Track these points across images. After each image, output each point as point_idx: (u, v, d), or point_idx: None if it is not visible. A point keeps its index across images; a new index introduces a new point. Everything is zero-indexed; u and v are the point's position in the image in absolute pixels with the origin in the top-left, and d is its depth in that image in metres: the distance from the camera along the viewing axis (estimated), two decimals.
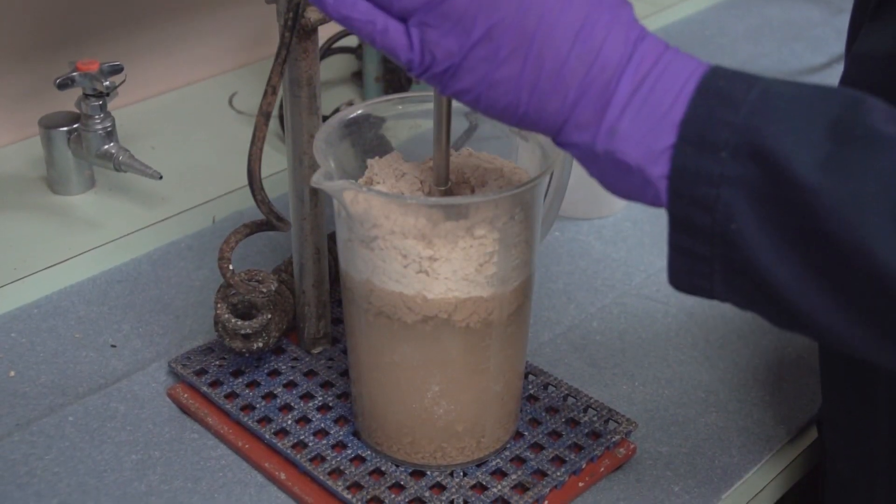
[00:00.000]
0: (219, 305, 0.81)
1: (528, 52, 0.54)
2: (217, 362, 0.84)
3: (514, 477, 0.76)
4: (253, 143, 0.71)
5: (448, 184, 0.71)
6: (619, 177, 0.56)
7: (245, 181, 1.06)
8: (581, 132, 0.55)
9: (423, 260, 0.68)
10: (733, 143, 0.52)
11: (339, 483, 0.75)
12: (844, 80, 0.71)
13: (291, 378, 0.84)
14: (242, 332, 0.80)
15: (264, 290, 0.79)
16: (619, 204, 1.07)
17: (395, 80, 1.19)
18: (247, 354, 0.82)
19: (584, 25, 0.54)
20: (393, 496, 0.74)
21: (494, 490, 0.75)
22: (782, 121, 0.52)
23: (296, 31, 0.72)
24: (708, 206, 0.53)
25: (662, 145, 0.54)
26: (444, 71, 0.56)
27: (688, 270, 0.56)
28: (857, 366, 0.73)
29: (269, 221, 0.75)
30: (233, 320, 0.80)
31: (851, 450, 0.78)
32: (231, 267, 0.75)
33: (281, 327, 0.83)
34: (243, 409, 0.81)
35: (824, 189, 0.51)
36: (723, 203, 0.53)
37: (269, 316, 0.81)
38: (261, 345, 0.82)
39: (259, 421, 0.79)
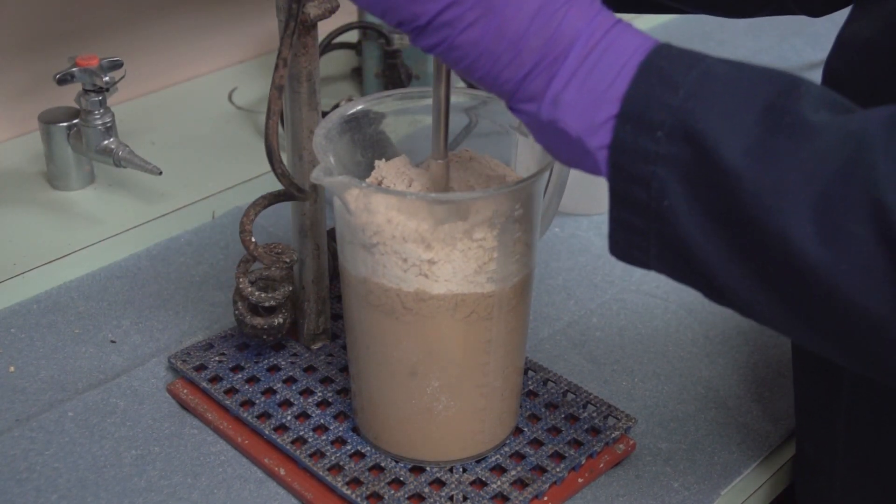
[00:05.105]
0: (241, 280, 0.81)
1: (490, 23, 0.57)
2: (217, 358, 0.85)
3: (513, 473, 0.76)
4: (268, 117, 0.71)
5: (447, 157, 0.71)
6: (560, 145, 0.58)
7: (246, 176, 1.08)
8: (529, 102, 0.58)
9: (422, 263, 0.68)
10: (669, 124, 0.54)
11: (339, 479, 0.75)
12: (828, 62, 0.72)
13: (291, 374, 0.84)
14: (266, 304, 0.80)
15: (287, 259, 0.79)
16: None
17: (395, 75, 1.19)
18: (265, 335, 0.82)
19: (546, 2, 0.56)
20: (392, 492, 0.74)
21: (494, 486, 0.75)
22: (716, 104, 0.54)
23: (302, 4, 0.72)
24: (644, 182, 0.55)
25: (602, 118, 0.56)
26: (411, 29, 0.58)
27: (626, 241, 0.58)
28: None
29: (289, 192, 0.74)
30: (256, 293, 0.80)
31: (815, 433, 0.79)
32: (253, 239, 0.75)
33: (291, 311, 0.83)
34: (243, 404, 0.81)
35: (748, 175, 0.53)
36: (657, 180, 0.55)
37: (290, 287, 0.81)
38: (281, 320, 0.81)
39: (259, 416, 0.79)
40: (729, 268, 0.55)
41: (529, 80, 0.57)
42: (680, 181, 0.54)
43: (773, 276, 0.54)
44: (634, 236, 0.57)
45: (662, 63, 0.55)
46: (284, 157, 0.81)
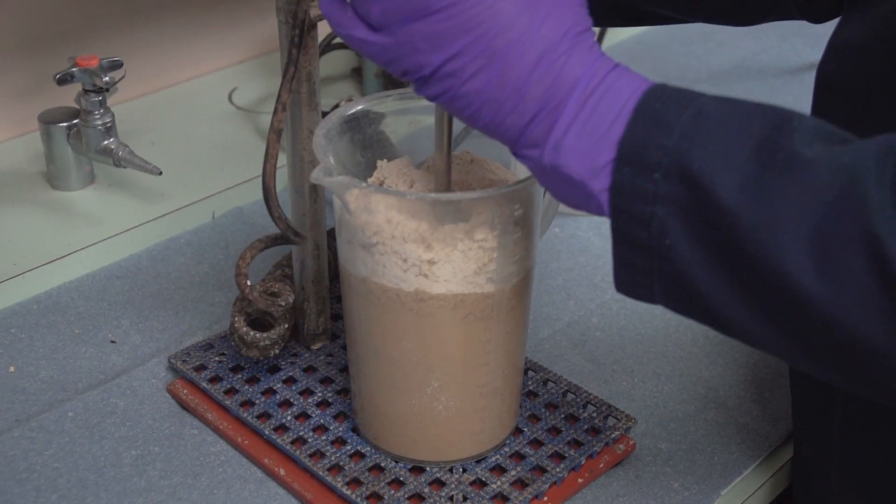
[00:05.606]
0: (236, 319, 0.81)
1: (493, 72, 0.57)
2: (217, 358, 0.85)
3: (513, 473, 0.76)
4: (266, 159, 0.72)
5: (449, 164, 0.71)
6: (564, 189, 0.59)
7: (246, 176, 1.08)
8: (532, 148, 0.59)
9: (422, 263, 0.68)
10: (665, 165, 0.55)
11: (339, 479, 0.75)
12: (821, 68, 0.73)
13: (291, 374, 0.84)
14: (261, 343, 0.81)
15: (282, 303, 0.79)
16: None
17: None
18: (262, 360, 0.83)
19: (547, 51, 0.57)
20: (392, 492, 0.74)
21: (494, 486, 0.75)
22: (710, 143, 0.55)
23: (302, 48, 0.73)
24: (645, 222, 0.56)
25: (603, 161, 0.57)
26: (415, 79, 0.59)
27: (630, 280, 0.59)
28: None
29: (286, 236, 0.75)
30: (251, 333, 0.80)
31: (812, 434, 0.80)
32: (248, 282, 0.76)
33: (288, 337, 0.84)
34: (243, 404, 0.81)
35: (743, 212, 0.53)
36: (657, 220, 0.56)
37: (287, 325, 0.82)
38: (277, 351, 0.82)
39: (259, 417, 0.79)
40: (731, 302, 0.56)
41: (532, 127, 0.58)
42: (679, 220, 0.55)
43: (774, 309, 0.54)
44: (638, 274, 0.58)
45: (656, 105, 0.56)
46: (284, 159, 0.81)
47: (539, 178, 0.60)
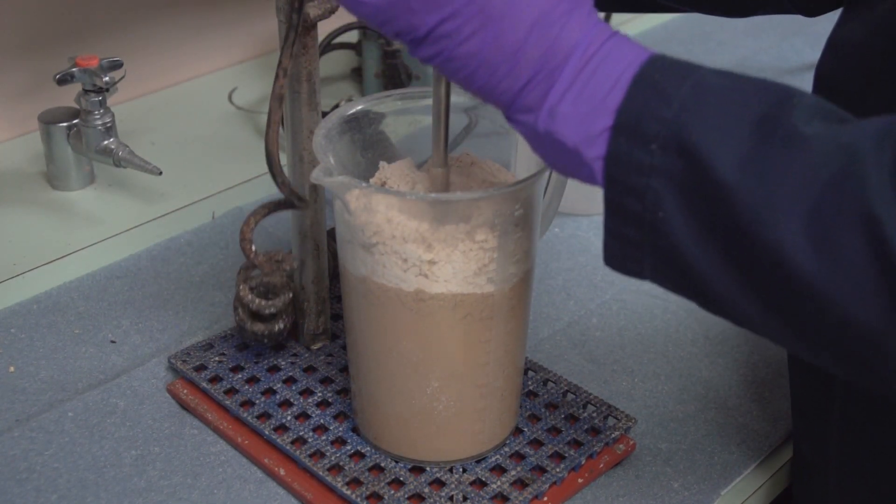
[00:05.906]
0: (241, 287, 0.81)
1: (488, 34, 0.57)
2: (217, 358, 0.85)
3: (513, 473, 0.76)
4: (269, 126, 0.72)
5: (447, 165, 0.71)
6: (557, 156, 0.58)
7: (246, 177, 1.08)
8: (526, 113, 0.58)
9: (422, 263, 0.68)
10: (663, 137, 0.54)
11: (339, 479, 0.75)
12: (819, 66, 0.72)
13: (291, 374, 0.84)
14: (266, 311, 0.80)
15: (287, 268, 0.79)
16: None
17: (395, 76, 1.19)
18: (266, 339, 0.82)
19: (544, 14, 0.56)
20: (392, 492, 0.74)
21: (494, 486, 0.75)
22: (710, 117, 0.54)
23: (303, 12, 0.72)
24: (639, 194, 0.56)
25: (598, 129, 0.56)
26: (409, 41, 0.59)
27: (621, 253, 0.58)
28: None
29: (290, 201, 0.75)
30: (256, 300, 0.80)
31: (811, 434, 0.80)
32: (253, 247, 0.76)
33: (292, 315, 0.83)
34: (243, 404, 0.81)
35: (741, 187, 0.53)
36: (652, 192, 0.55)
37: (291, 294, 0.81)
38: (282, 326, 0.81)
39: (259, 417, 0.79)
40: (723, 279, 0.55)
41: (526, 91, 0.57)
42: (674, 193, 0.55)
43: (767, 288, 0.54)
44: (629, 248, 0.58)
45: (656, 75, 0.56)
46: (284, 160, 0.81)
47: (532, 145, 0.59)
